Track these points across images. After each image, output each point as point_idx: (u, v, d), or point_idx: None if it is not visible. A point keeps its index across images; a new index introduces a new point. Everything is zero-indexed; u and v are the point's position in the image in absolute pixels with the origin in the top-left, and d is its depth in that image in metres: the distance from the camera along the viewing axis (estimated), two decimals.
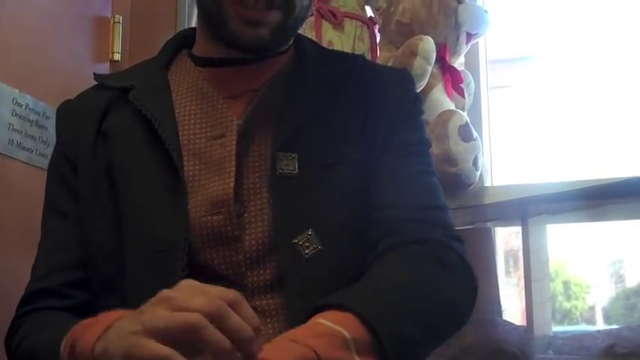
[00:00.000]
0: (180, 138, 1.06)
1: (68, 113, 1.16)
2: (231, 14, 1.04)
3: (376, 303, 0.91)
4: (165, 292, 0.77)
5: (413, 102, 1.16)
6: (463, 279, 1.03)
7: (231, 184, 1.02)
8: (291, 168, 1.02)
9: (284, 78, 1.12)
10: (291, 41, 1.17)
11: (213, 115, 1.08)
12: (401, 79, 1.18)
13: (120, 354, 0.75)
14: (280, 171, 1.02)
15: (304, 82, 1.11)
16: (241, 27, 1.04)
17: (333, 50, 1.28)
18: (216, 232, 1.01)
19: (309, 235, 0.99)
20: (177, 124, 1.07)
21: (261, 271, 1.00)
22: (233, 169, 1.03)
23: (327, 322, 0.86)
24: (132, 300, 0.93)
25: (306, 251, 0.99)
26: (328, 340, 0.83)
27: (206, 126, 1.07)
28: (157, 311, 0.75)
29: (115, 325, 0.80)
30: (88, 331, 0.84)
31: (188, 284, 0.78)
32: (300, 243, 0.99)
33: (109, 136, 1.09)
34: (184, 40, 1.20)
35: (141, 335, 0.74)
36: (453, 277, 1.00)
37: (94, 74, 1.19)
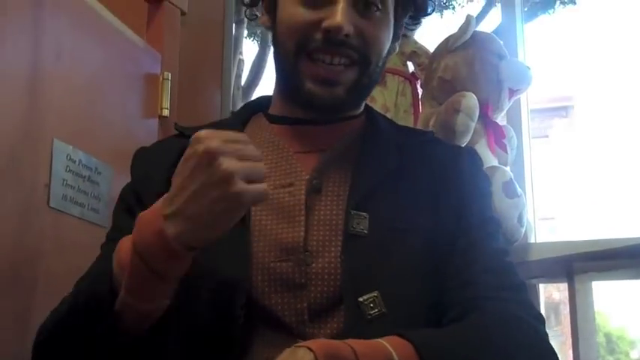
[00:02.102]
0: None
1: (143, 157, 1.22)
2: (307, 75, 1.09)
3: (435, 339, 0.94)
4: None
5: (484, 180, 1.19)
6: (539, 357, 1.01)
7: (302, 233, 1.05)
8: (362, 227, 1.05)
9: (357, 140, 1.16)
10: (363, 105, 1.21)
11: (282, 165, 1.12)
12: (471, 157, 1.21)
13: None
14: (352, 229, 1.04)
15: (379, 147, 1.14)
16: (317, 87, 1.09)
17: (403, 125, 1.32)
18: (284, 279, 1.03)
19: (375, 296, 1.00)
20: None
21: (322, 324, 1.02)
22: (303, 218, 1.06)
23: (382, 340, 0.90)
24: (186, 332, 0.97)
25: (370, 312, 1.00)
26: (374, 354, 0.87)
27: (275, 175, 1.11)
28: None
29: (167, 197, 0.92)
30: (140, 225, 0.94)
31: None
32: (366, 303, 1.00)
33: None
34: (260, 105, 1.25)
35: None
36: (527, 353, 0.98)
37: (175, 124, 1.25)
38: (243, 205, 0.89)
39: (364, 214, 1.05)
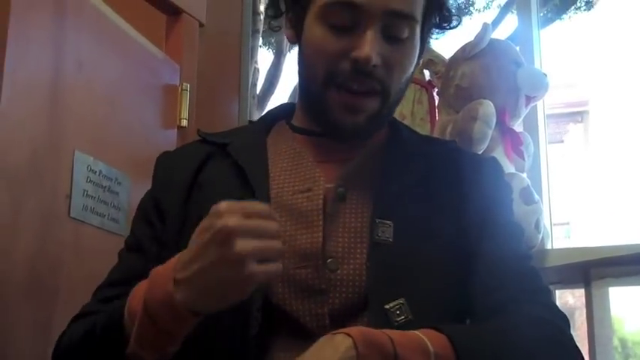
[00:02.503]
0: (271, 192, 1.11)
1: (166, 163, 1.23)
2: (335, 104, 1.10)
3: (469, 334, 0.96)
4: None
5: (506, 188, 1.21)
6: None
7: (320, 239, 1.06)
8: (387, 235, 1.06)
9: (381, 149, 1.17)
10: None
11: (302, 172, 1.13)
12: (494, 166, 1.22)
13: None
14: (377, 237, 1.05)
15: (403, 156, 1.16)
16: (342, 115, 1.10)
17: (426, 135, 1.33)
18: (304, 285, 1.04)
19: (402, 303, 1.01)
20: (270, 178, 1.12)
21: None
22: (321, 223, 1.07)
23: (417, 332, 0.92)
24: (204, 337, 0.99)
25: (397, 319, 1.01)
26: (410, 343, 0.89)
27: (294, 181, 1.12)
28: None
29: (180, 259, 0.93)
30: (155, 278, 0.96)
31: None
32: (392, 310, 1.01)
33: (203, 187, 1.15)
34: (284, 111, 1.27)
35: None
36: (554, 352, 0.99)
37: (198, 130, 1.26)
38: (254, 285, 0.91)
39: (389, 222, 1.06)
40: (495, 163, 1.23)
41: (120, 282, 1.16)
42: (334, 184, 1.11)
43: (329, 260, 1.05)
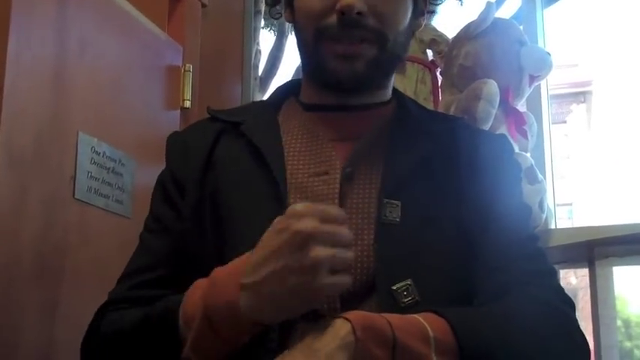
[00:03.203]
0: (287, 171, 1.09)
1: (177, 142, 1.21)
2: (328, 54, 1.10)
3: (471, 318, 0.95)
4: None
5: (515, 167, 1.20)
6: (572, 344, 1.00)
7: None
8: (394, 215, 1.05)
9: (388, 127, 1.16)
10: (390, 94, 1.21)
11: (318, 153, 1.12)
12: (503, 143, 1.20)
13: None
14: (384, 217, 1.04)
15: (409, 135, 1.14)
16: (338, 64, 1.09)
17: (434, 110, 1.31)
18: None
19: (409, 284, 1.01)
20: (285, 157, 1.11)
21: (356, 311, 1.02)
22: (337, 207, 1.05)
23: (417, 316, 0.91)
24: None
25: (404, 300, 1.00)
26: (409, 328, 0.89)
27: (310, 163, 1.11)
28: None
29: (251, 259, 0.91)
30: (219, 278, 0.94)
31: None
32: (399, 291, 1.00)
33: (217, 166, 1.13)
34: (292, 87, 1.25)
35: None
36: (558, 336, 0.99)
37: (208, 108, 1.24)
38: (323, 296, 0.90)
39: (396, 202, 1.05)
40: (505, 141, 1.22)
41: (147, 268, 1.13)
42: (343, 165, 1.10)
43: None
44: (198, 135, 1.19)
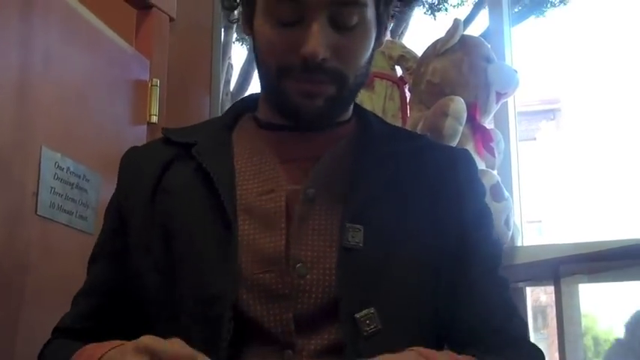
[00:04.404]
0: (237, 194, 1.08)
1: (130, 164, 1.19)
2: (291, 91, 1.07)
3: None
4: None
5: (480, 186, 1.19)
6: None
7: (283, 242, 1.03)
8: (357, 240, 1.03)
9: (350, 148, 1.14)
10: (350, 112, 1.19)
11: (265, 172, 1.10)
12: (467, 162, 1.19)
13: None
14: (346, 242, 1.03)
15: (373, 156, 1.12)
16: (300, 100, 1.07)
17: (397, 127, 1.30)
18: (268, 290, 1.01)
19: (372, 313, 1.00)
20: (236, 179, 1.10)
21: (314, 336, 1.01)
22: (284, 225, 1.04)
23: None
24: None
25: (366, 328, 0.99)
26: None
27: (257, 182, 1.09)
28: None
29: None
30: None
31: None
32: (362, 319, 0.99)
33: (168, 190, 1.11)
34: (249, 103, 1.23)
35: None
36: None
37: (162, 128, 1.22)
38: None
39: (359, 226, 1.04)
40: (469, 160, 1.20)
41: (86, 294, 1.17)
42: (302, 185, 1.08)
43: (298, 265, 1.02)
44: (151, 158, 1.16)
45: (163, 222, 1.09)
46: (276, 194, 1.07)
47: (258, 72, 1.15)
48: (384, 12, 1.13)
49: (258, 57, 1.12)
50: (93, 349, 0.99)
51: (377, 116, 1.25)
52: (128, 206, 1.14)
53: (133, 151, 1.23)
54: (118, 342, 0.96)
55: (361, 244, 1.03)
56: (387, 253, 1.04)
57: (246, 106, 1.24)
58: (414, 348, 0.95)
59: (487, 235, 1.15)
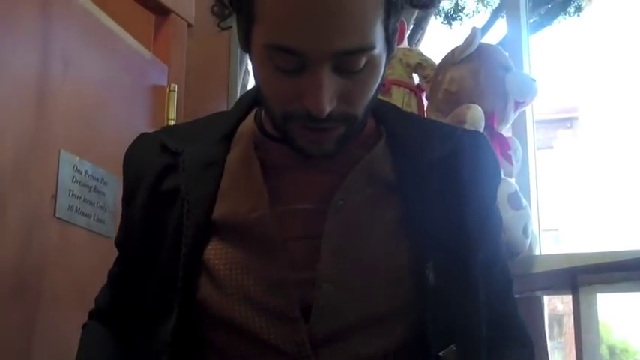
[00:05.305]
0: (220, 212, 1.03)
1: (131, 168, 1.16)
2: (296, 135, 0.99)
3: None
4: None
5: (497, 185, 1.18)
6: None
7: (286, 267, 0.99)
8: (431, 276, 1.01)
9: (378, 161, 1.07)
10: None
11: (250, 188, 1.04)
12: (494, 179, 1.17)
13: None
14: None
15: (412, 169, 1.06)
16: (307, 145, 1.00)
17: (421, 125, 1.19)
18: (278, 312, 0.98)
19: (454, 349, 0.99)
20: (218, 199, 1.04)
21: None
22: (280, 253, 0.99)
23: None
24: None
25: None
26: None
27: (244, 198, 1.04)
28: None
29: None
30: None
31: None
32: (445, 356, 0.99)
33: (165, 198, 1.07)
34: (255, 104, 1.14)
35: None
36: None
37: (162, 128, 1.22)
38: None
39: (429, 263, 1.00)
40: (494, 170, 1.16)
41: (110, 283, 1.19)
42: (335, 200, 1.02)
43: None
44: (149, 162, 1.11)
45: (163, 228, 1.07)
46: (260, 212, 1.01)
47: (260, 96, 1.04)
48: (394, 25, 1.00)
49: (260, 87, 1.02)
50: None
51: (397, 115, 1.16)
52: (130, 209, 1.12)
53: (131, 155, 1.19)
54: None
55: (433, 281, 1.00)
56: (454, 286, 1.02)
57: (255, 100, 1.14)
58: None
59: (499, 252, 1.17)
